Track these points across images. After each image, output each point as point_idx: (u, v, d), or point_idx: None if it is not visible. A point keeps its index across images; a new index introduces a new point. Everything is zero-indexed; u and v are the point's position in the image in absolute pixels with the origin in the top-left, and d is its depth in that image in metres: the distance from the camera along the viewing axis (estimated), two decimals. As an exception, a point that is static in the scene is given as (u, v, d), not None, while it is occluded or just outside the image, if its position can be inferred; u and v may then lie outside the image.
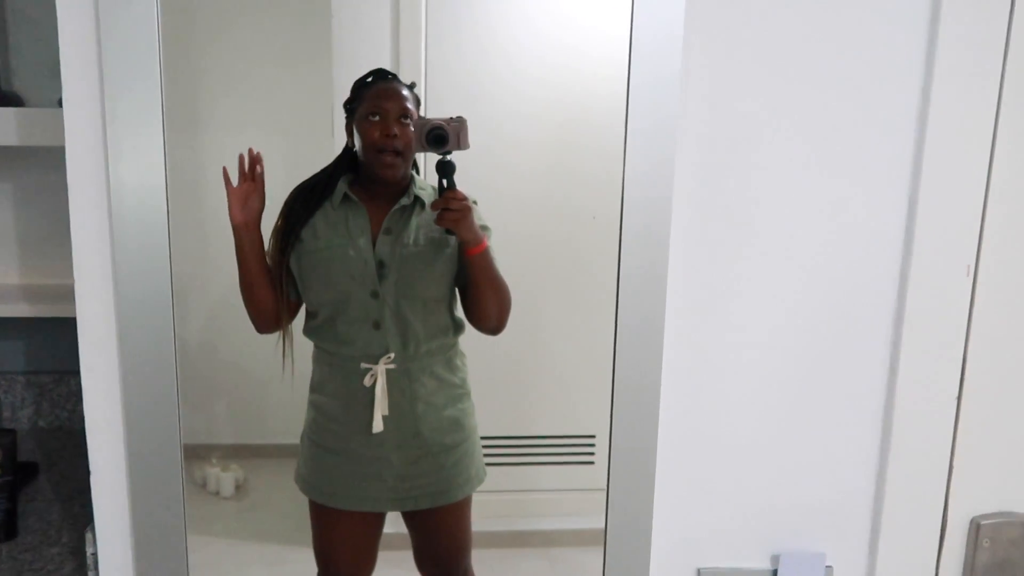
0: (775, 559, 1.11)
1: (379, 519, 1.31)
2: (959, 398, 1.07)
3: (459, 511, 1.31)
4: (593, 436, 1.38)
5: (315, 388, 1.27)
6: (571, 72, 1.26)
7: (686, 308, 1.04)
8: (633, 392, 1.03)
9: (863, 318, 1.06)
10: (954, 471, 1.09)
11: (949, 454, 1.08)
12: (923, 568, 1.11)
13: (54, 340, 1.67)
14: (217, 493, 1.64)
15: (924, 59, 0.99)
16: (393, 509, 1.29)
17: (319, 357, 1.26)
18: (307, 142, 1.31)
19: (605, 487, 1.08)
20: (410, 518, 1.31)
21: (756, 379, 1.07)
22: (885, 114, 1.01)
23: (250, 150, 1.15)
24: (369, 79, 1.19)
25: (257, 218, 1.18)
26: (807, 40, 0.99)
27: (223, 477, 1.69)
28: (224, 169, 1.14)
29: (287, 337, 1.25)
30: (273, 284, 1.22)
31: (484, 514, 1.32)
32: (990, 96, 1.00)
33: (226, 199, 1.16)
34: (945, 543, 1.11)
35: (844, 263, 1.04)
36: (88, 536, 1.05)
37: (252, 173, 1.15)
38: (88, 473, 1.02)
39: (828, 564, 1.11)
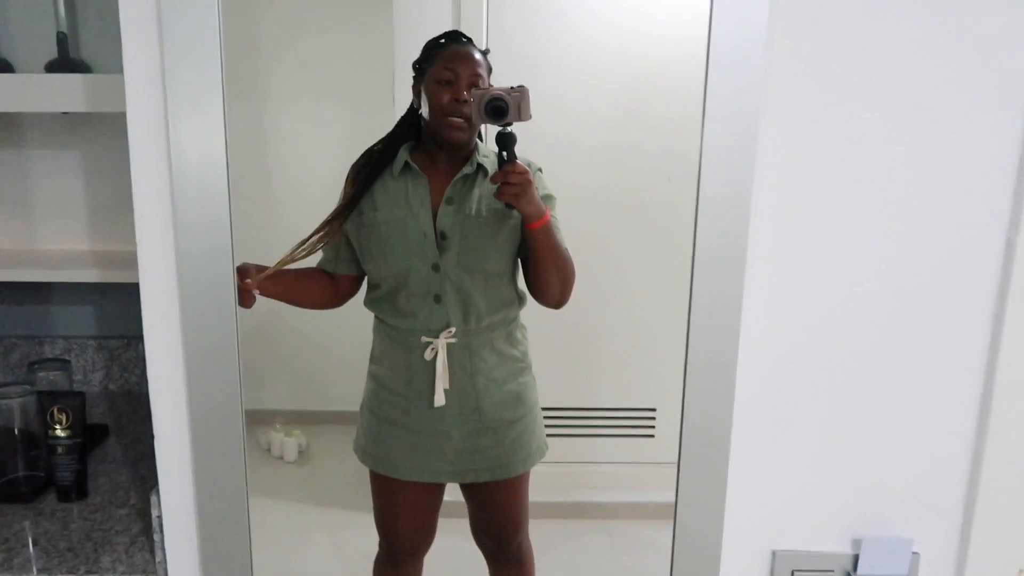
0: (856, 543, 1.05)
1: (439, 489, 1.30)
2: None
3: (517, 486, 1.29)
4: (654, 409, 1.35)
5: (375, 360, 1.26)
6: (639, 36, 1.21)
7: (767, 278, 0.99)
8: (707, 365, 0.98)
9: (962, 287, 0.98)
10: (1055, 453, 1.02)
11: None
12: (1020, 558, 1.05)
13: (123, 305, 1.70)
14: (281, 457, 1.67)
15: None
16: (452, 480, 1.28)
17: (380, 329, 1.25)
18: (367, 110, 1.29)
19: (665, 460, 1.04)
20: (468, 490, 1.30)
21: (841, 352, 1.00)
22: (995, 65, 0.93)
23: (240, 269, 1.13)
24: (443, 40, 1.16)
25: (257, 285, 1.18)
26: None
27: (287, 442, 1.72)
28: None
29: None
30: (310, 282, 1.24)
31: (544, 485, 1.31)
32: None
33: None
34: (1044, 532, 1.04)
35: (943, 229, 0.97)
36: (153, 499, 1.07)
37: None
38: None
39: (915, 550, 1.05)
